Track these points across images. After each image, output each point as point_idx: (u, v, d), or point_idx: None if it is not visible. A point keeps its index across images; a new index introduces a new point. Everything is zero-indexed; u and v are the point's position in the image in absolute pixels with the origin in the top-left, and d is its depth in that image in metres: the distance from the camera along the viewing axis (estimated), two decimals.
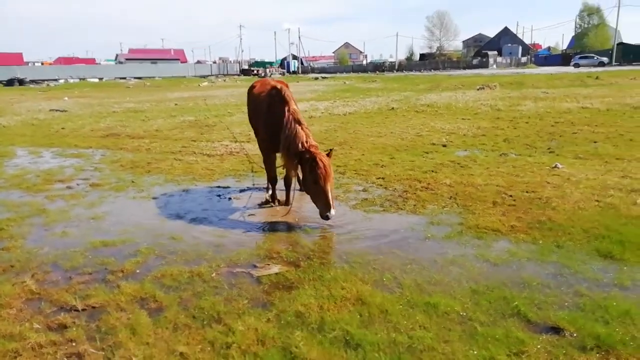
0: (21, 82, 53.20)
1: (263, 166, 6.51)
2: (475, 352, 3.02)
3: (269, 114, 5.84)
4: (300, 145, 5.26)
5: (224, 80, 55.10)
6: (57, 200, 6.76)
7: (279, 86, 5.95)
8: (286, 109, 5.55)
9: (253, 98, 6.70)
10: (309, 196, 5.42)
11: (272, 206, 6.25)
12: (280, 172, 6.31)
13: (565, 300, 3.62)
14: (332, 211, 5.11)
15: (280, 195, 6.42)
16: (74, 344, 3.23)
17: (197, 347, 3.16)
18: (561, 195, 6.14)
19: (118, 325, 3.42)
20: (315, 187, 5.13)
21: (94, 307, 3.70)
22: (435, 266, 4.28)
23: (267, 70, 76.81)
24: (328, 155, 5.33)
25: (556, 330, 3.23)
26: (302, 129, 5.39)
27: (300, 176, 5.55)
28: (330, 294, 3.78)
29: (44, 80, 57.97)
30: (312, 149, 5.23)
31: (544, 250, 4.52)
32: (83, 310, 3.66)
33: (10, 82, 52.48)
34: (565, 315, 3.38)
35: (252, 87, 6.99)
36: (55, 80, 60.21)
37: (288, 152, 5.40)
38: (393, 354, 3.02)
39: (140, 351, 3.12)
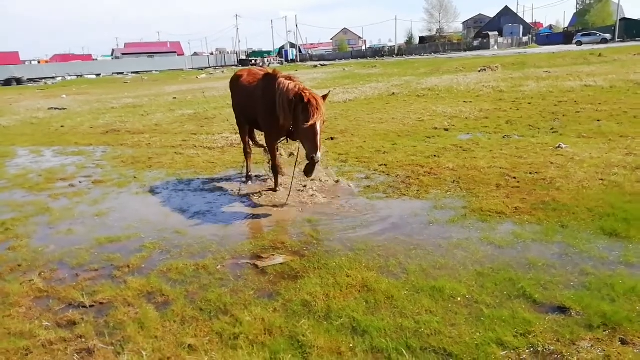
0: (19, 81, 53.13)
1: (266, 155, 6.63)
2: (481, 334, 3.03)
3: (265, 98, 5.82)
4: (292, 91, 5.33)
5: (222, 72, 54.77)
6: (60, 199, 6.78)
7: (270, 70, 6.09)
8: (279, 80, 5.60)
9: (243, 87, 6.65)
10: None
11: (276, 190, 6.31)
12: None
13: (571, 280, 3.62)
14: (319, 154, 5.16)
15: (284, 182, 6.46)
16: (83, 340, 3.27)
17: (205, 339, 3.19)
18: (565, 175, 6.11)
19: (126, 320, 3.45)
20: (305, 128, 5.14)
21: (101, 303, 3.74)
22: (440, 250, 4.29)
23: (265, 59, 76.38)
24: (324, 97, 5.38)
25: (562, 309, 3.24)
26: (292, 82, 5.47)
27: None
28: (336, 282, 3.79)
29: (41, 79, 57.85)
30: (305, 91, 5.27)
31: (548, 231, 4.51)
32: (91, 306, 3.70)
33: (7, 82, 52.41)
34: (571, 295, 3.39)
35: (238, 77, 6.95)
36: (53, 78, 60.01)
37: (284, 109, 5.42)
38: (400, 339, 3.04)
39: (149, 345, 3.15)
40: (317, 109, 5.11)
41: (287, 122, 5.51)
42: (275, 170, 6.40)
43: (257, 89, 6.16)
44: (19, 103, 25.23)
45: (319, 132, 5.15)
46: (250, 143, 7.35)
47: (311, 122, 5.07)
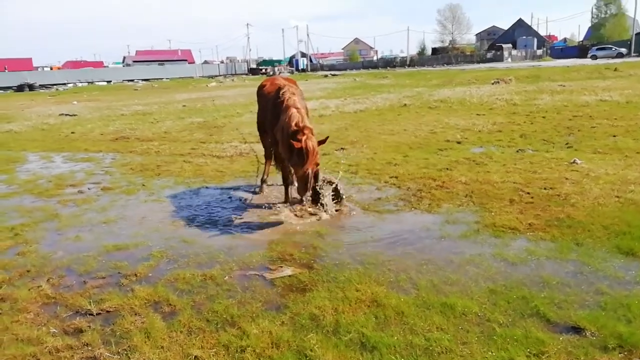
0: (31, 87, 53.92)
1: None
2: (493, 354, 2.95)
3: (273, 111, 5.87)
4: (294, 126, 5.32)
5: (232, 80, 55.25)
6: (69, 205, 6.81)
7: (282, 84, 6.10)
8: (285, 98, 5.62)
9: (262, 97, 6.73)
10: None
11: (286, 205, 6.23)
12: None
13: (586, 299, 3.53)
14: (307, 194, 5.36)
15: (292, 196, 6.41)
16: (90, 347, 3.25)
17: (211, 350, 3.14)
18: (580, 191, 6.01)
19: (133, 329, 3.42)
20: (296, 168, 5.30)
21: (108, 311, 3.72)
22: (452, 266, 4.21)
23: (276, 68, 76.80)
24: (322, 142, 5.41)
25: (577, 330, 3.16)
26: (297, 112, 5.45)
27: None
28: (345, 296, 3.73)
29: (53, 85, 58.65)
30: (305, 131, 5.26)
31: (563, 249, 4.42)
32: (98, 314, 3.68)
33: (20, 88, 53.26)
34: (586, 315, 3.30)
35: (261, 86, 7.00)
36: (64, 84, 60.84)
37: (282, 135, 5.46)
38: (410, 357, 2.97)
39: (155, 355, 3.11)
40: (308, 157, 5.15)
41: (284, 151, 5.54)
42: (286, 181, 6.36)
43: (270, 101, 6.17)
44: (31, 109, 25.59)
45: (310, 177, 5.26)
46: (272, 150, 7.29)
47: (303, 170, 5.20)
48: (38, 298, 3.99)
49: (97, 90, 47.04)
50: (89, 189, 7.70)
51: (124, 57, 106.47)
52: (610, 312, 3.33)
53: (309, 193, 5.35)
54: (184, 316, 3.57)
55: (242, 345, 3.17)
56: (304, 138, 5.18)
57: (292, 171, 5.64)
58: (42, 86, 56.25)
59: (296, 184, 5.56)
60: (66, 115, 20.43)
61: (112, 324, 3.52)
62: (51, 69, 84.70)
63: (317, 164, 5.40)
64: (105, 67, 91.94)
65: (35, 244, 5.26)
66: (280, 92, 5.78)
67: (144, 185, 7.75)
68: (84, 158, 10.54)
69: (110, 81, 67.19)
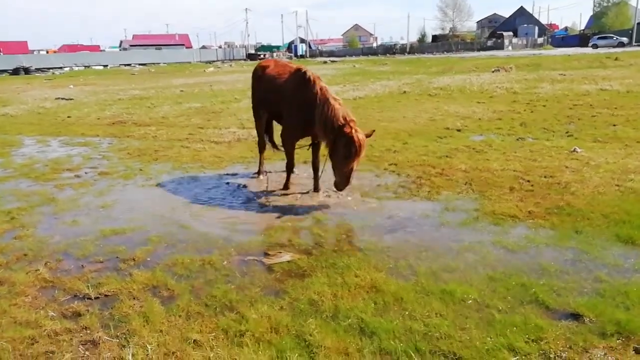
0: (27, 70, 53.27)
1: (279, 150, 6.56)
2: (492, 339, 2.96)
3: (295, 96, 5.71)
4: (341, 119, 5.21)
5: (230, 66, 54.78)
6: (66, 189, 6.77)
7: (303, 67, 5.96)
8: (318, 87, 5.49)
9: (268, 79, 6.42)
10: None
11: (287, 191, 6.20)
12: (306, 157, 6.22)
13: (585, 287, 3.54)
14: (343, 187, 5.34)
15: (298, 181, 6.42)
16: (88, 331, 3.24)
17: (210, 334, 3.14)
18: (580, 179, 5.99)
19: (131, 313, 3.41)
20: (342, 162, 5.21)
21: (106, 295, 3.71)
22: (451, 253, 4.21)
23: (275, 54, 76.18)
24: (369, 135, 5.29)
25: (575, 316, 3.17)
26: (339, 104, 5.35)
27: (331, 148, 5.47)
28: (344, 282, 3.73)
29: (49, 69, 57.97)
30: (352, 124, 5.19)
31: (562, 236, 4.42)
32: (96, 298, 3.67)
33: (16, 71, 52.64)
34: (584, 302, 3.31)
35: (263, 68, 6.72)
36: (60, 68, 60.08)
37: (325, 128, 5.31)
38: (409, 342, 2.97)
39: (154, 339, 3.11)
40: (360, 150, 5.08)
41: (324, 140, 5.47)
42: (290, 168, 6.26)
43: (287, 84, 5.99)
44: (27, 92, 25.33)
45: (353, 170, 5.20)
46: (266, 138, 7.19)
47: (350, 163, 5.13)
48: (36, 282, 3.97)
49: (94, 74, 46.59)
50: (86, 173, 7.65)
51: (121, 42, 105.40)
52: (609, 300, 3.34)
53: (349, 186, 5.30)
54: (183, 301, 3.56)
55: (241, 329, 3.17)
56: (353, 131, 5.09)
57: (333, 165, 5.45)
58: (38, 70, 55.63)
59: (336, 178, 5.43)
60: (62, 99, 20.22)
61: (111, 308, 3.52)
62: (47, 52, 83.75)
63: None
64: (102, 51, 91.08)
65: (32, 228, 5.23)
66: (308, 79, 5.60)
67: (141, 170, 7.70)
68: (80, 142, 10.45)
69: (107, 65, 66.44)
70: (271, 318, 3.28)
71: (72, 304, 3.59)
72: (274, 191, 6.26)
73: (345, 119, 5.20)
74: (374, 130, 5.48)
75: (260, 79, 6.70)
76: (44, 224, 5.38)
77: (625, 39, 56.20)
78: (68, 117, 14.66)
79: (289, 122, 6.08)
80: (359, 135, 5.10)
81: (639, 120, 9.78)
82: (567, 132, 9.00)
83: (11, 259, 4.44)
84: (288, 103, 5.94)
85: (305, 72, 5.75)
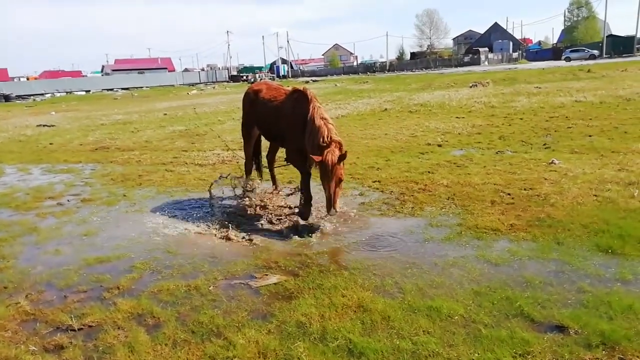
0: (7, 98, 52.51)
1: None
2: (480, 355, 2.98)
3: (295, 114, 5.68)
4: (322, 139, 5.23)
5: (213, 88, 54.94)
6: (48, 218, 6.66)
7: (302, 87, 5.99)
8: (311, 106, 5.49)
9: (264, 102, 6.39)
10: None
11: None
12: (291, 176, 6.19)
13: (569, 298, 3.59)
14: (332, 211, 5.20)
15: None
16: None
17: None
18: (559, 191, 6.12)
19: (116, 344, 3.35)
20: (322, 184, 5.27)
21: (90, 326, 3.64)
22: (436, 269, 4.24)
23: (257, 75, 76.66)
24: (342, 157, 5.21)
25: (561, 328, 3.21)
26: (325, 123, 5.34)
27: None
28: (331, 302, 3.73)
29: (30, 96, 57.44)
30: (333, 145, 5.20)
31: (544, 248, 4.49)
32: (79, 329, 3.60)
33: None
34: (569, 313, 3.35)
35: (256, 92, 6.67)
36: (42, 94, 59.67)
37: (311, 148, 5.34)
38: None
39: None
40: (329, 171, 5.10)
41: (311, 164, 5.48)
42: (302, 189, 5.93)
43: (285, 104, 6.00)
44: (7, 120, 24.97)
45: (332, 190, 5.15)
46: (253, 162, 7.20)
47: (325, 185, 5.18)
48: (16, 315, 3.88)
49: (76, 100, 46.24)
50: (68, 200, 7.54)
51: (103, 66, 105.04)
52: (593, 310, 3.39)
53: (333, 211, 5.20)
54: (169, 328, 3.51)
55: (228, 355, 3.13)
56: (326, 152, 5.12)
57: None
58: (18, 97, 54.98)
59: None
60: (44, 126, 20.00)
61: (95, 339, 3.45)
62: (28, 79, 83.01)
63: (341, 180, 5.24)
64: (83, 76, 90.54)
65: (12, 259, 5.12)
66: (306, 96, 5.64)
67: (125, 195, 7.62)
68: (63, 169, 10.33)
69: (89, 91, 66.09)
70: (259, 342, 3.25)
71: (55, 336, 3.51)
72: (260, 213, 6.24)
73: (329, 139, 5.22)
74: (346, 152, 5.37)
75: (253, 102, 6.66)
76: (26, 255, 5.27)
77: (596, 52, 58.10)
78: (50, 144, 14.49)
79: (293, 142, 5.95)
80: (329, 156, 5.11)
81: (613, 130, 10.07)
82: (544, 144, 9.21)
83: None
84: (288, 123, 5.89)
85: (305, 90, 5.77)
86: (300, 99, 5.73)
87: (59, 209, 7.08)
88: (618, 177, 6.54)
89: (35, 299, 4.15)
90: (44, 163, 11.29)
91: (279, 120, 6.08)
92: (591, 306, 3.44)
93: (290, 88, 6.27)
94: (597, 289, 3.69)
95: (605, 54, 59.35)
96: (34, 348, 3.38)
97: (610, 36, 65.63)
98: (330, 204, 5.18)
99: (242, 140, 7.26)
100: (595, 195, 5.83)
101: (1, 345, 3.44)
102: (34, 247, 5.52)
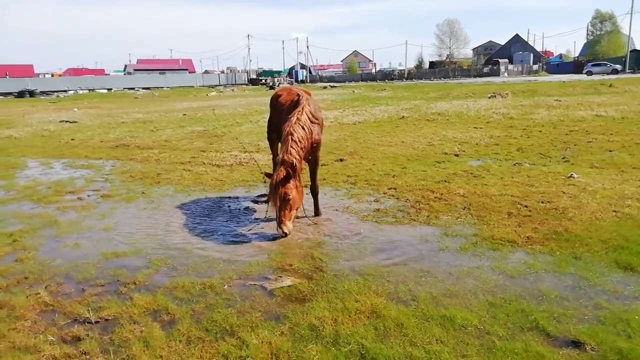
0: (32, 93, 54.04)
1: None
2: None
3: (285, 121, 5.83)
4: (280, 155, 5.43)
5: (232, 90, 55.46)
6: (68, 212, 6.80)
7: (303, 93, 6.17)
8: (294, 118, 5.62)
9: (279, 106, 6.63)
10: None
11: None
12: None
13: (585, 313, 3.54)
14: (279, 230, 5.23)
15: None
16: (88, 356, 3.23)
17: None
18: (578, 205, 6.04)
19: (131, 338, 3.40)
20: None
21: (107, 320, 3.70)
22: (451, 278, 4.22)
23: (276, 79, 77.19)
24: (269, 175, 5.56)
25: (577, 344, 3.16)
26: (290, 138, 5.43)
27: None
28: (345, 307, 3.73)
29: (53, 92, 58.80)
30: (282, 165, 5.28)
31: (561, 262, 4.44)
32: (96, 322, 3.66)
33: (21, 94, 53.40)
34: (585, 329, 3.30)
35: (278, 96, 6.97)
36: (65, 91, 61.00)
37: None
38: None
39: None
40: (272, 190, 5.25)
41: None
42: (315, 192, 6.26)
43: (289, 109, 6.12)
44: (31, 115, 25.57)
45: (276, 209, 5.26)
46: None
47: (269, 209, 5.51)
48: (36, 305, 3.97)
49: (98, 97, 47.08)
50: (88, 195, 7.69)
51: (125, 66, 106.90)
52: (610, 327, 3.33)
53: (279, 230, 5.22)
54: (183, 325, 3.56)
55: (241, 355, 3.16)
56: (278, 169, 5.31)
57: None
58: (43, 93, 56.34)
59: None
60: (66, 122, 20.43)
61: (111, 332, 3.51)
62: (52, 75, 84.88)
63: (286, 199, 5.21)
64: (106, 74, 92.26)
65: (33, 251, 5.23)
66: (298, 102, 5.84)
67: (143, 193, 7.74)
68: (83, 165, 10.53)
69: (111, 89, 67.31)
70: (272, 344, 3.27)
71: (72, 328, 3.58)
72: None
73: (284, 152, 5.36)
74: (296, 174, 5.35)
75: (274, 107, 6.94)
76: (46, 247, 5.39)
77: (618, 66, 57.11)
78: (72, 139, 14.79)
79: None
80: (274, 175, 5.30)
81: (635, 146, 9.90)
82: (563, 158, 9.10)
83: (11, 282, 4.44)
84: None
85: (300, 97, 5.95)
86: (295, 104, 5.86)
87: (79, 204, 7.22)
88: (639, 193, 6.43)
89: (55, 291, 4.24)
90: (65, 158, 11.54)
91: (280, 124, 6.24)
92: (609, 323, 3.39)
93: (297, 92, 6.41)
94: (614, 305, 3.63)
95: (629, 69, 58.38)
96: (52, 338, 3.46)
97: (634, 51, 64.55)
98: (278, 223, 5.26)
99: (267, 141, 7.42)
100: (615, 211, 5.74)
101: (21, 334, 3.53)
102: (54, 239, 5.64)
